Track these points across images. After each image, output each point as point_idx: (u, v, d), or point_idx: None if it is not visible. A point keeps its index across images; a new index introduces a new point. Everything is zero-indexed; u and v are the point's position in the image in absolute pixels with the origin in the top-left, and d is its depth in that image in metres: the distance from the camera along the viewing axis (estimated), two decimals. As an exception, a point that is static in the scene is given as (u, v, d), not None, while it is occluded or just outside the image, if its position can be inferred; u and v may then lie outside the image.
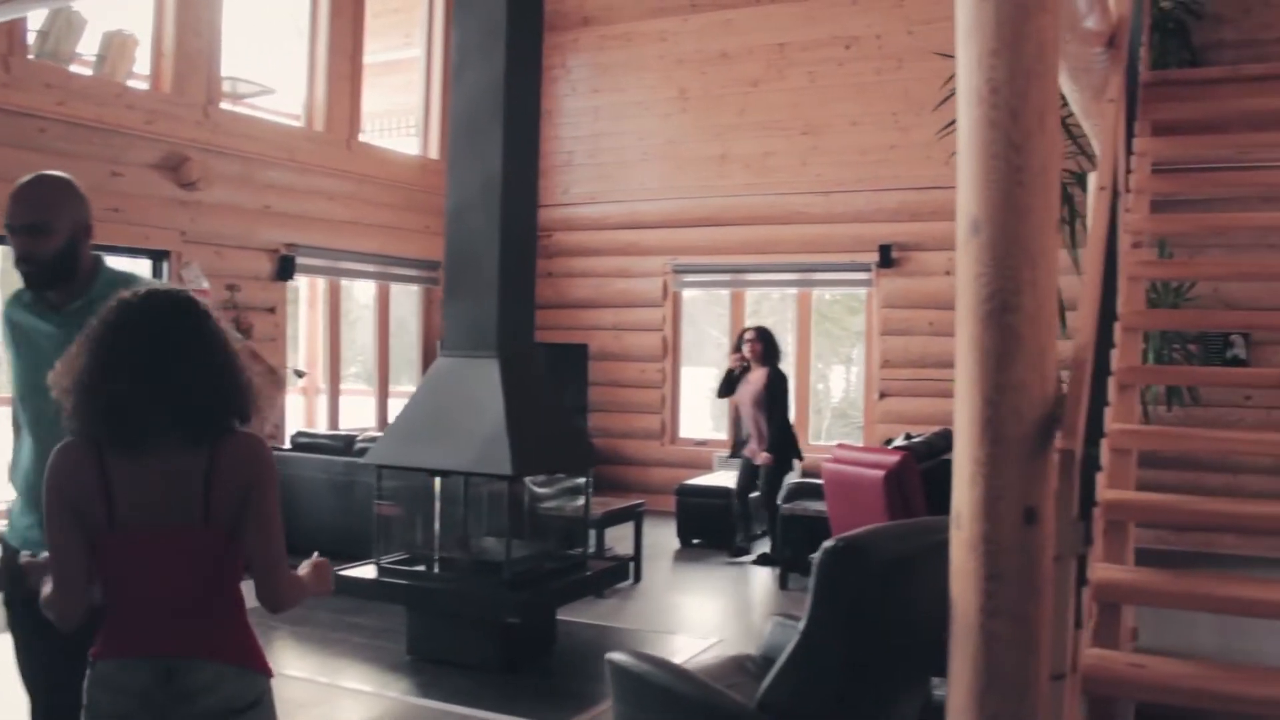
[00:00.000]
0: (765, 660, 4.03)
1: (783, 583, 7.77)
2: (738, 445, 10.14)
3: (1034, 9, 2.62)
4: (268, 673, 2.43)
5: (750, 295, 11.77)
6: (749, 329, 8.83)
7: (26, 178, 2.95)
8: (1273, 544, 8.35)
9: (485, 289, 5.69)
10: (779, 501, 8.16)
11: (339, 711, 5.27)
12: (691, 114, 11.31)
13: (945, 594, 2.76)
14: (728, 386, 8.94)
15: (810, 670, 3.13)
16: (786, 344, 10.00)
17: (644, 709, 3.40)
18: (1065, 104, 6.50)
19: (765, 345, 8.62)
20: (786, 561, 7.81)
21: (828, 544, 3.06)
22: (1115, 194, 3.90)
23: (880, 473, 5.50)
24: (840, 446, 6.41)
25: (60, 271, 2.91)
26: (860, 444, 9.81)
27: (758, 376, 8.59)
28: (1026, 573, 2.65)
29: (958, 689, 2.75)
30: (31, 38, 7.95)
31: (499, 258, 5.68)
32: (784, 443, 8.61)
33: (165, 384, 2.29)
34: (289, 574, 2.44)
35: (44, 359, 2.82)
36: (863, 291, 10.85)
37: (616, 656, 3.55)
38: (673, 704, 3.31)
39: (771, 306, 16.46)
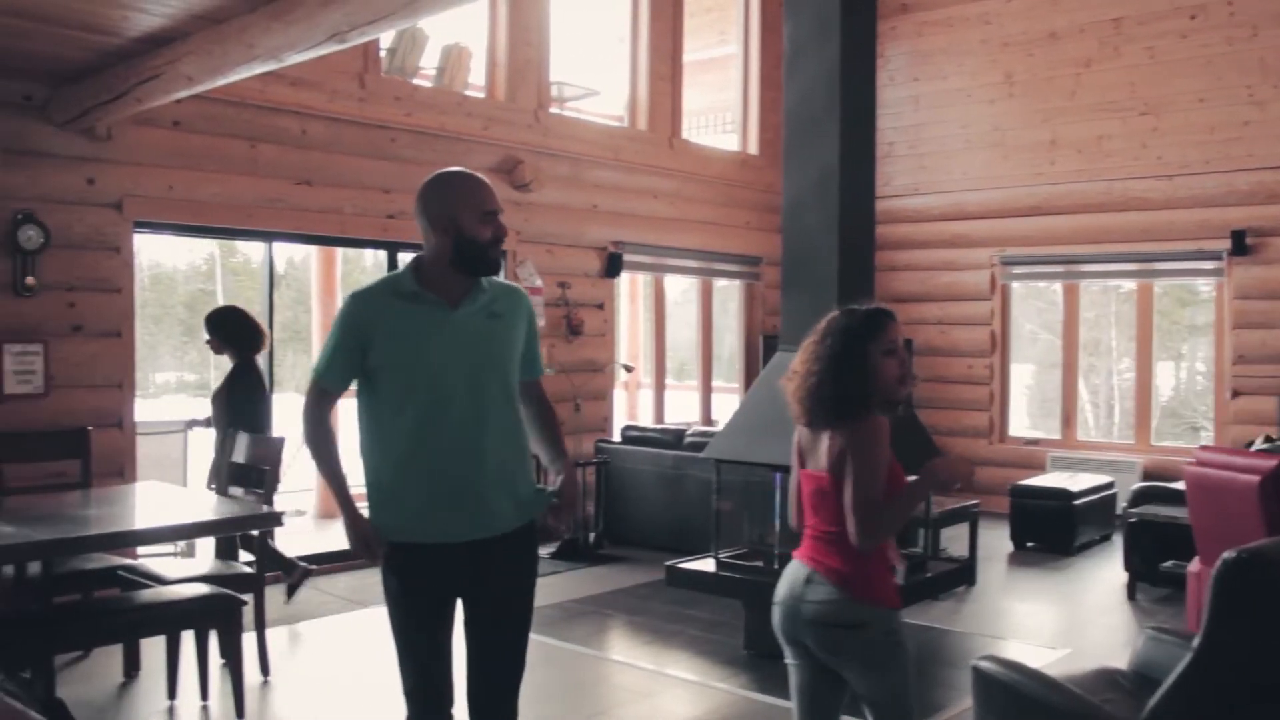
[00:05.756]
0: (1138, 676, 3.77)
1: (1130, 593, 7.30)
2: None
3: None
4: (876, 601, 3.05)
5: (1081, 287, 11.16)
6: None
7: (470, 171, 3.21)
8: None
9: (824, 283, 5.60)
10: None
11: (673, 701, 5.32)
12: (1018, 99, 10.83)
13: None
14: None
15: (1205, 692, 2.89)
16: (1107, 338, 9.26)
17: (1015, 721, 3.24)
18: None
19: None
20: (1135, 570, 7.32)
21: (1228, 555, 2.80)
22: None
23: (1255, 478, 5.04)
24: (1203, 449, 5.92)
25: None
26: (1202, 446, 9.12)
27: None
28: None
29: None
30: (381, 55, 8.49)
31: (838, 251, 5.59)
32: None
33: None
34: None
35: (428, 347, 3.02)
36: (1210, 282, 10.09)
37: (985, 665, 3.39)
38: (1047, 718, 3.13)
39: (1091, 299, 15.62)
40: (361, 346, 3.04)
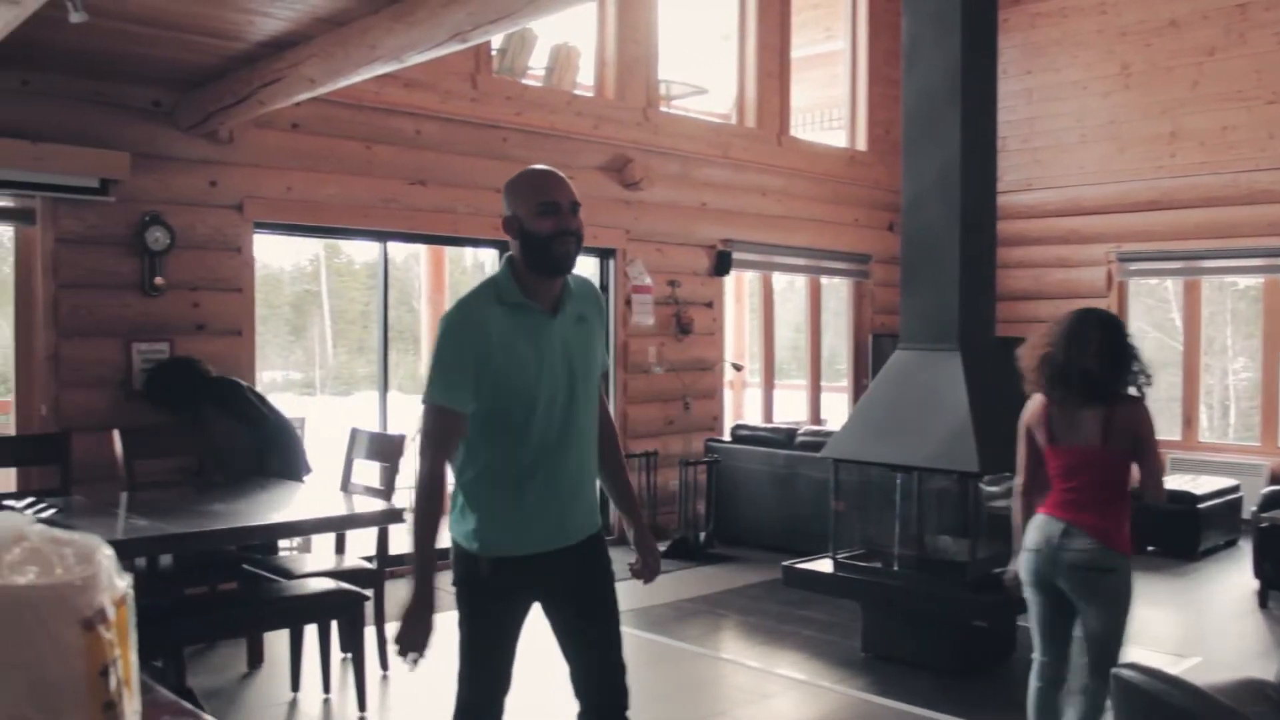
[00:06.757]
0: (1288, 688, 3.62)
1: (1262, 601, 7.03)
2: None
3: None
4: (1124, 551, 3.76)
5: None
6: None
7: (542, 166, 3.04)
8: None
9: (946, 280, 5.50)
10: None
11: (789, 703, 5.27)
12: (1135, 90, 10.54)
13: None
14: None
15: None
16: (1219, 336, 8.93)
17: (1163, 732, 3.12)
18: None
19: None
20: (1266, 577, 7.07)
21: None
22: None
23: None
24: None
25: (579, 253, 2.99)
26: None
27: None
28: None
29: None
30: (491, 56, 8.55)
31: (959, 248, 5.48)
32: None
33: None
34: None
35: (533, 357, 2.89)
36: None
37: (1127, 673, 3.28)
38: (1200, 731, 3.01)
39: (1206, 296, 15.08)
40: (475, 359, 2.86)
